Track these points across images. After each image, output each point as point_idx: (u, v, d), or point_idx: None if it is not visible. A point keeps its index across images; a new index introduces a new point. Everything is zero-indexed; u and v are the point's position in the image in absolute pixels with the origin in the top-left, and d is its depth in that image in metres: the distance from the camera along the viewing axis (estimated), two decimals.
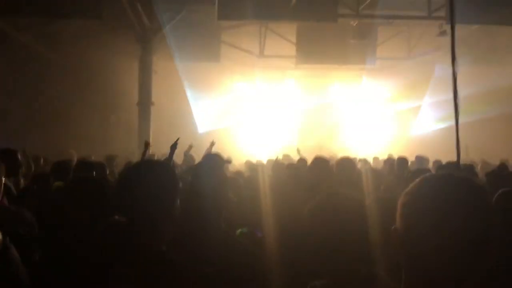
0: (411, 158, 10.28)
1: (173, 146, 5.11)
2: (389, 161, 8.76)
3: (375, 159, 11.27)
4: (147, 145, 5.43)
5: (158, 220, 1.70)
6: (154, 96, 12.31)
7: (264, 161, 9.21)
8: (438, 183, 1.09)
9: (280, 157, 10.18)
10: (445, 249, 0.99)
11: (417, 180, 1.11)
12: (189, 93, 14.75)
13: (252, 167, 7.35)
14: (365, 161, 8.93)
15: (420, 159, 8.99)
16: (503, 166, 6.35)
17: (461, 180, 1.09)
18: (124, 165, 6.94)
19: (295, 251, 2.66)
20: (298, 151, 9.74)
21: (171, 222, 1.77)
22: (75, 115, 12.87)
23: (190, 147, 8.38)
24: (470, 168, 6.46)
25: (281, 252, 2.83)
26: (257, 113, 17.16)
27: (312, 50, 13.51)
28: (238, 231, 3.17)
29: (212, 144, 8.84)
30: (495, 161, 8.97)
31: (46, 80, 12.41)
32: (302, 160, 8.21)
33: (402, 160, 6.88)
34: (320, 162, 4.71)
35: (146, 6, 10.99)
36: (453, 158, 7.94)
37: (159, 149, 9.68)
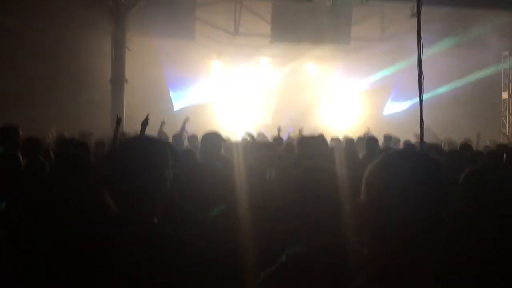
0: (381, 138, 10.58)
1: (144, 123, 5.08)
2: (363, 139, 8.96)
3: (347, 137, 11.47)
4: (119, 121, 5.30)
5: (151, 193, 1.74)
6: (127, 74, 12.17)
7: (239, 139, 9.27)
8: (398, 159, 1.20)
9: (254, 135, 10.30)
10: (403, 220, 1.09)
11: (381, 156, 1.21)
12: (163, 71, 14.63)
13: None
14: (337, 140, 9.10)
15: (388, 138, 9.23)
16: (466, 146, 6.60)
17: (419, 156, 1.22)
18: (95, 145, 6.92)
19: (270, 224, 2.77)
20: (278, 130, 9.80)
21: (163, 195, 1.81)
22: (46, 93, 12.62)
23: (162, 123, 8.36)
24: (436, 147, 6.73)
25: (256, 226, 2.91)
26: (232, 91, 17.15)
27: (286, 29, 13.54)
28: (215, 209, 3.28)
29: (186, 120, 8.85)
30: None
31: (17, 56, 12.10)
32: (277, 139, 8.36)
33: (372, 139, 7.07)
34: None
35: None
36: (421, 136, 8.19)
37: (132, 127, 9.64)
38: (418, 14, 3.90)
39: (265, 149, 6.04)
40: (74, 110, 12.83)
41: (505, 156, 5.37)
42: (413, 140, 9.95)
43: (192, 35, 13.38)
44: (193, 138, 8.18)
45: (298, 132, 10.19)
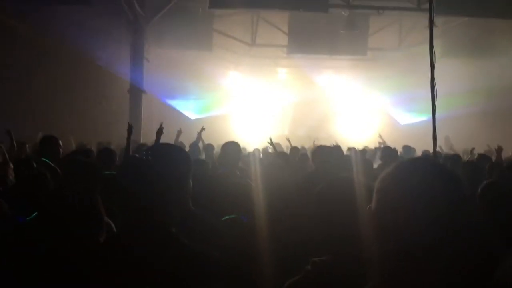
0: (400, 148, 10.47)
1: (159, 132, 5.11)
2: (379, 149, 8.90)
3: (365, 148, 11.39)
4: (130, 129, 5.32)
5: (170, 202, 1.68)
6: (145, 84, 12.32)
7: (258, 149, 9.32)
8: (409, 168, 1.15)
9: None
10: (415, 229, 1.05)
11: (392, 165, 1.18)
12: (181, 81, 14.78)
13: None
14: (354, 150, 9.05)
15: (407, 149, 9.14)
16: (484, 157, 6.50)
17: (431, 165, 1.16)
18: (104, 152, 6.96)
19: (288, 233, 2.76)
20: (288, 140, 9.87)
21: (183, 205, 1.76)
22: (65, 102, 12.86)
23: (179, 132, 8.41)
24: (455, 157, 6.63)
25: (273, 236, 2.90)
26: (249, 102, 17.24)
27: (303, 40, 13.58)
28: (224, 218, 3.29)
29: (202, 130, 8.85)
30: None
31: (37, 65, 12.36)
32: (294, 149, 8.36)
33: (387, 149, 7.02)
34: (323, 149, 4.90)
35: None
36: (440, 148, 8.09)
37: (149, 137, 9.72)
38: (431, 24, 3.88)
39: (279, 159, 6.08)
40: (93, 119, 13.03)
41: None
42: (439, 152, 9.83)
43: (209, 46, 13.50)
44: (209, 147, 8.24)
45: (312, 144, 10.20)
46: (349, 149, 8.68)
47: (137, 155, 1.78)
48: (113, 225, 2.78)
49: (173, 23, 12.17)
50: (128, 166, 1.89)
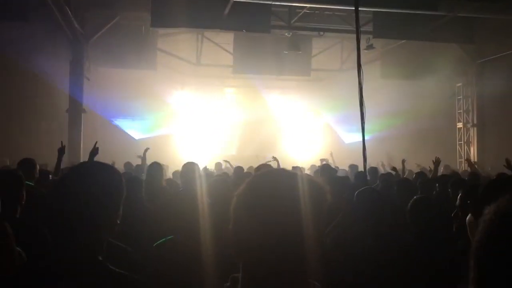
0: (343, 166, 10.71)
1: (93, 153, 4.96)
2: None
3: (312, 166, 11.55)
4: (62, 150, 5.06)
5: (101, 228, 1.56)
6: (87, 103, 11.99)
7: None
8: (261, 181, 1.13)
9: (213, 166, 10.30)
10: (267, 245, 1.03)
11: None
12: (124, 101, 14.50)
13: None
14: (299, 169, 9.14)
15: (353, 167, 9.34)
16: (420, 174, 6.74)
17: (285, 176, 1.13)
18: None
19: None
20: (228, 162, 9.97)
21: (112, 231, 1.62)
22: (1, 120, 12.29)
23: (146, 149, 8.38)
24: (387, 177, 6.87)
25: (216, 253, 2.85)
26: (196, 122, 17.12)
27: (248, 60, 13.71)
28: (161, 240, 3.20)
29: (146, 150, 8.71)
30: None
31: None
32: (238, 168, 8.36)
33: (325, 167, 7.15)
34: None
35: (77, 11, 10.72)
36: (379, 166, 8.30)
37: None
38: (358, 44, 4.02)
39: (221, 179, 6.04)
40: (31, 139, 12.50)
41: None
42: (381, 168, 10.12)
43: (153, 65, 13.35)
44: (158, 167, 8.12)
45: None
46: (294, 168, 8.74)
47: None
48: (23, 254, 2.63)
49: (116, 42, 11.98)
50: (57, 186, 1.78)
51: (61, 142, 5.15)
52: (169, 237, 3.24)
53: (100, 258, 1.57)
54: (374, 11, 10.21)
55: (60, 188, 1.63)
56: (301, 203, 1.04)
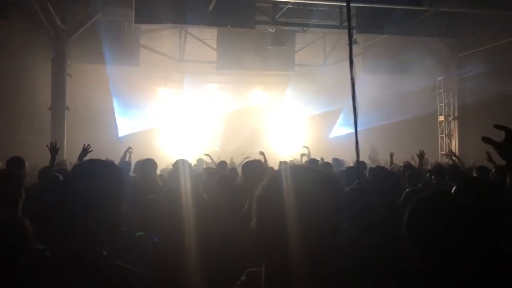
0: (328, 160, 10.78)
1: (82, 153, 5.01)
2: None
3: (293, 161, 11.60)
4: (54, 149, 5.01)
5: (105, 223, 1.59)
6: (69, 101, 11.84)
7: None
8: (287, 175, 1.14)
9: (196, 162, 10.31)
10: (291, 240, 1.05)
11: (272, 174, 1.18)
12: (107, 97, 14.37)
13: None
14: (285, 163, 9.19)
15: (337, 161, 9.42)
16: (406, 166, 6.84)
17: (310, 171, 1.16)
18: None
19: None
20: (209, 156, 10.02)
21: (115, 227, 1.66)
22: None
23: (128, 148, 8.11)
24: (377, 169, 6.95)
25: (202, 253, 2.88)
26: (180, 118, 17.05)
27: (232, 56, 13.69)
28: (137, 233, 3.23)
29: (128, 149, 8.62)
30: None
31: None
32: (222, 163, 8.37)
33: (315, 161, 7.20)
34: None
35: (59, 7, 10.56)
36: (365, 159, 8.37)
37: (73, 155, 9.31)
38: (350, 38, 4.07)
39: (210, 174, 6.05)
40: (12, 137, 12.30)
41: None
42: (368, 162, 10.23)
43: (136, 62, 13.23)
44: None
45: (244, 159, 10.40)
46: (281, 163, 8.80)
47: (57, 174, 1.68)
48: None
49: (98, 38, 11.82)
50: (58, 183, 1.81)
51: (55, 142, 5.08)
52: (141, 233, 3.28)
53: (105, 253, 1.60)
54: (357, 6, 10.29)
55: (69, 186, 1.68)
56: (322, 197, 1.07)
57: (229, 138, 17.36)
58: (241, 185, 5.20)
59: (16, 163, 4.64)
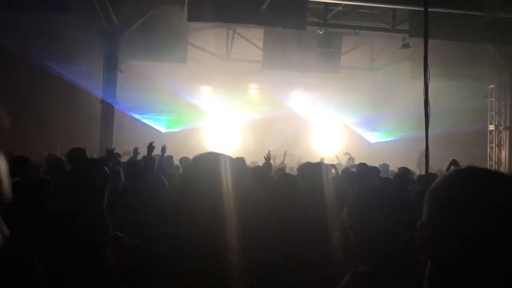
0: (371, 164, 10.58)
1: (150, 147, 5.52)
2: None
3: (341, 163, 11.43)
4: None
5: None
6: (118, 95, 12.10)
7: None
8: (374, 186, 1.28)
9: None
10: (385, 236, 1.37)
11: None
12: (153, 94, 14.60)
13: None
14: (333, 166, 9.07)
15: (384, 166, 9.27)
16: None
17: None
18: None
19: None
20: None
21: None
22: (35, 109, 12.45)
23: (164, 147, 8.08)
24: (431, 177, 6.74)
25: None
26: (222, 117, 17.15)
27: (278, 56, 13.69)
28: None
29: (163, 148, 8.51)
30: None
31: (7, 73, 11.94)
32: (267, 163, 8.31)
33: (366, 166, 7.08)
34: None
35: (114, 2, 10.81)
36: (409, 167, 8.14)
37: (121, 148, 9.50)
38: (426, 39, 3.97)
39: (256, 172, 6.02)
40: (63, 128, 12.65)
41: None
42: (417, 170, 9.98)
43: (183, 59, 13.41)
44: (184, 159, 8.17)
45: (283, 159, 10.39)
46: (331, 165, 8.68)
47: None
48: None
49: (148, 34, 12.04)
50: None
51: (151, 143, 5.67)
52: None
53: None
54: (411, 9, 10.08)
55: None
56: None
57: (270, 139, 17.35)
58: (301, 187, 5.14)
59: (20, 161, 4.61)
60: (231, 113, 17.25)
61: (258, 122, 17.66)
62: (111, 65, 11.37)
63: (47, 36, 11.18)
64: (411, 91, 12.90)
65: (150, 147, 5.49)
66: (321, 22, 11.18)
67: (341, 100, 17.05)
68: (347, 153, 12.67)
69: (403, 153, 12.83)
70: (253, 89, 17.87)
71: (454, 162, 6.40)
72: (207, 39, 14.25)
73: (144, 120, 15.27)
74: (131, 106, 14.08)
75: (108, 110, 11.51)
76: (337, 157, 12.20)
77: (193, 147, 12.85)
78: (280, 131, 17.25)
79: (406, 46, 11.08)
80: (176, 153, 9.00)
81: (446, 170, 6.72)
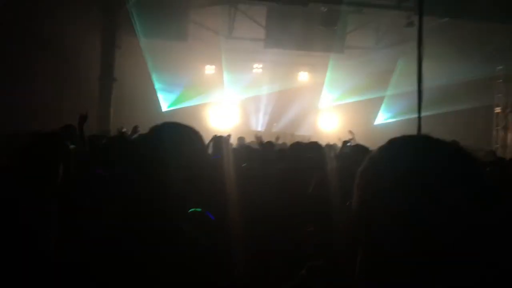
0: (373, 147, 10.36)
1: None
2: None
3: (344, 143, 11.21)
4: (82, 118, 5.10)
5: None
6: (116, 72, 11.90)
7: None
8: (407, 143, 0.89)
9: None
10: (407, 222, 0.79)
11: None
12: (153, 71, 14.38)
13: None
14: (331, 147, 8.88)
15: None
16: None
17: (439, 142, 0.87)
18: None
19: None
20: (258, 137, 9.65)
21: None
22: (32, 85, 12.29)
23: (136, 128, 7.04)
24: None
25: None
26: (224, 95, 16.94)
27: (281, 34, 13.39)
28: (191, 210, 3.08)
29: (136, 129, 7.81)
30: None
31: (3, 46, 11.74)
32: (269, 144, 8.15)
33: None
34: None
35: None
36: None
37: (118, 125, 9.36)
38: (421, 19, 3.74)
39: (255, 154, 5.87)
40: (61, 103, 12.51)
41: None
42: None
43: (184, 37, 13.16)
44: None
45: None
46: (326, 145, 8.49)
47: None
48: None
49: (147, 11, 11.80)
50: None
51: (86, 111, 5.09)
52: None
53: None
54: None
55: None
56: None
57: (273, 119, 17.17)
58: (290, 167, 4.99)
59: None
60: (234, 92, 17.04)
61: (262, 102, 17.46)
62: (108, 42, 11.15)
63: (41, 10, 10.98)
64: (416, 72, 12.58)
65: (135, 130, 5.64)
66: None
67: (345, 80, 16.78)
68: (351, 132, 12.42)
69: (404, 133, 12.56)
70: (257, 68, 17.60)
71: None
72: (209, 16, 13.96)
73: (144, 97, 15.10)
74: (130, 83, 13.87)
75: (105, 87, 11.34)
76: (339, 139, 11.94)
77: (194, 126, 12.71)
78: (284, 112, 17.07)
79: (410, 24, 10.76)
80: None
81: None
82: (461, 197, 0.77)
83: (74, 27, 11.28)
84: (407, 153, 0.84)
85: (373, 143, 5.43)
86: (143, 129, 8.57)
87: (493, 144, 13.48)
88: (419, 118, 3.89)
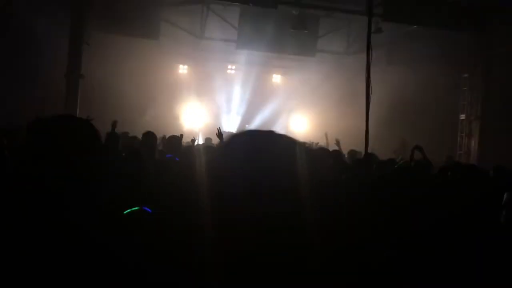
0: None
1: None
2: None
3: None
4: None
5: None
6: (85, 69, 11.67)
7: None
8: (246, 137, 1.03)
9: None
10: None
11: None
12: (124, 69, 14.19)
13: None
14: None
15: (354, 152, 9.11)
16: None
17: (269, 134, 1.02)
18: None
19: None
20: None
21: None
22: None
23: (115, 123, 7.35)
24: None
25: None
26: (197, 95, 16.86)
27: (253, 36, 13.43)
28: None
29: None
30: None
31: None
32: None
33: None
34: None
35: None
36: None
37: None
38: (369, 25, 3.83)
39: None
40: (26, 102, 12.20)
41: None
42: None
43: (156, 35, 13.05)
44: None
45: None
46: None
47: None
48: None
49: (118, 7, 11.65)
50: None
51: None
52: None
53: None
54: None
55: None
56: None
57: (245, 120, 17.18)
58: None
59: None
60: (207, 92, 16.97)
61: (235, 103, 17.44)
62: (76, 38, 10.93)
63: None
64: (384, 79, 12.84)
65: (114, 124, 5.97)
66: (293, 1, 10.94)
67: (316, 84, 16.90)
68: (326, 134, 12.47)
69: (377, 140, 12.75)
70: (231, 69, 17.58)
71: (417, 147, 6.30)
72: (181, 16, 13.89)
73: (115, 96, 14.86)
74: (101, 81, 13.62)
75: (72, 84, 11.11)
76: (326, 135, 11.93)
77: (164, 126, 12.60)
78: (257, 114, 17.09)
79: (378, 30, 10.93)
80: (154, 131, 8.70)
81: (410, 156, 6.64)
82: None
83: (41, 22, 11.04)
84: (245, 146, 0.97)
85: (349, 146, 5.49)
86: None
87: (457, 150, 13.78)
88: (367, 121, 3.98)
